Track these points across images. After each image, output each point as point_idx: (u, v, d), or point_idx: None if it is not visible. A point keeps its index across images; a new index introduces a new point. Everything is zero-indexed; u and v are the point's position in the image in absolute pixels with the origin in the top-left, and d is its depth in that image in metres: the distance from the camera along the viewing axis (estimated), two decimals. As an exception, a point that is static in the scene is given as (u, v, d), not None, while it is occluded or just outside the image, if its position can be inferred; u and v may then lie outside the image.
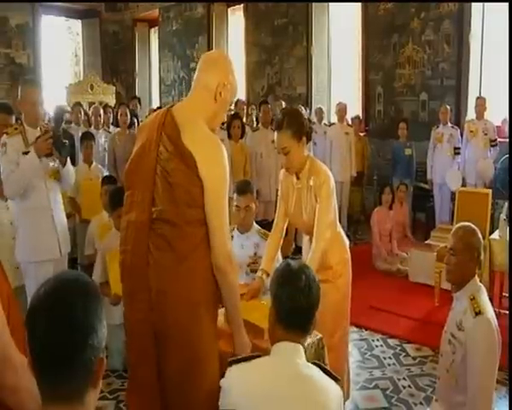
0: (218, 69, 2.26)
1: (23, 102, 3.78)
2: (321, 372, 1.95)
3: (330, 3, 10.50)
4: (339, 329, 3.10)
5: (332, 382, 1.95)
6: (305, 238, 3.36)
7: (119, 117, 6.80)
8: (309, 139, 3.16)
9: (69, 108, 8.79)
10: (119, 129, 6.87)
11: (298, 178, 3.18)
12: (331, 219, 3.14)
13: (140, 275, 2.17)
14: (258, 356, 1.99)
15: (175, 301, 2.13)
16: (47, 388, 1.22)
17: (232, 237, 3.69)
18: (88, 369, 1.23)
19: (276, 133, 3.12)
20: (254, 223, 3.78)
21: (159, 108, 10.10)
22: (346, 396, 3.35)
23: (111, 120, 7.62)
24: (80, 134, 6.42)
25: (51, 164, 3.81)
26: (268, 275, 3.12)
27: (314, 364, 1.99)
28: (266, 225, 5.00)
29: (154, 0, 13.57)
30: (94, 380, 1.25)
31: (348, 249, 3.31)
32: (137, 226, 2.20)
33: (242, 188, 3.74)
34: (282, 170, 3.35)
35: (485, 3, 8.27)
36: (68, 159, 3.90)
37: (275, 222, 3.42)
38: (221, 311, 3.06)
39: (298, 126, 3.04)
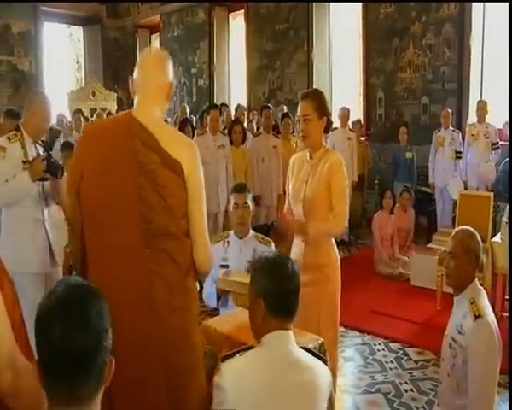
0: (168, 70, 2.24)
1: (31, 115, 3.73)
2: (310, 355, 1.99)
3: (331, 8, 10.52)
4: (326, 335, 3.03)
5: (322, 364, 2.00)
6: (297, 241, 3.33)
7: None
8: (327, 129, 3.22)
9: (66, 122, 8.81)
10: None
11: (311, 157, 3.22)
12: (347, 205, 3.15)
13: (142, 301, 2.03)
14: (251, 348, 2.00)
15: (184, 314, 2.12)
16: (62, 392, 1.24)
17: (228, 242, 3.70)
18: (102, 370, 1.28)
19: (300, 102, 3.19)
20: (251, 230, 3.79)
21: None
22: None
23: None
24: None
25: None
26: None
27: (302, 348, 2.02)
28: (267, 229, 5.02)
29: (157, 0, 13.58)
30: (105, 380, 1.30)
31: (338, 257, 3.27)
32: (127, 250, 2.04)
33: (239, 187, 3.83)
34: (294, 155, 3.42)
35: (486, 6, 8.29)
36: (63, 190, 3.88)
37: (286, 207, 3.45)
38: (224, 317, 3.08)
39: (323, 104, 3.15)
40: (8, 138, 3.68)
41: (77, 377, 1.24)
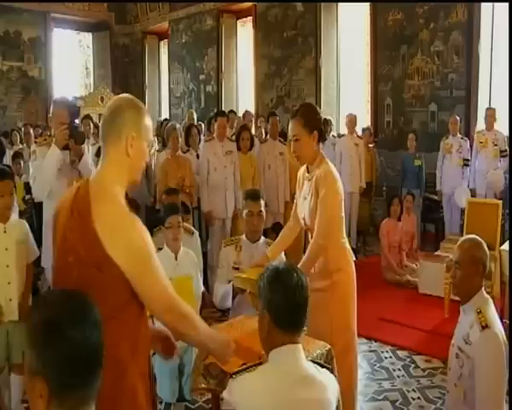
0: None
1: (53, 121, 4.01)
2: (318, 367, 1.97)
3: (339, 15, 10.55)
4: (339, 342, 3.03)
5: (328, 373, 1.99)
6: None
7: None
8: (321, 138, 3.20)
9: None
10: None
11: (308, 172, 3.23)
12: (329, 218, 3.09)
13: None
14: (259, 364, 1.98)
15: None
16: (79, 389, 1.26)
17: (241, 247, 3.72)
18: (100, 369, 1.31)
19: (290, 121, 3.19)
20: (263, 236, 3.80)
21: (165, 119, 10.16)
22: None
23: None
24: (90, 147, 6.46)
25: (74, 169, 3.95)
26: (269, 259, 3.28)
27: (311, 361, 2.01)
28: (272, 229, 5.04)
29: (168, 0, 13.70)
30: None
31: (352, 263, 3.26)
32: None
33: (254, 194, 3.83)
34: (299, 170, 3.41)
35: (495, 14, 8.28)
36: (87, 154, 4.07)
37: (291, 217, 3.46)
38: (232, 322, 3.08)
39: (311, 118, 3.12)
40: (35, 142, 4.10)
41: (92, 374, 1.28)
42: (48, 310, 1.28)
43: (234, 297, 3.59)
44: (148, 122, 2.04)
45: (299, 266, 2.98)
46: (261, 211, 3.73)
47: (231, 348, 2.11)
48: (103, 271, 1.84)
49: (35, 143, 4.12)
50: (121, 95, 2.13)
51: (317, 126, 3.14)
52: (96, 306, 1.33)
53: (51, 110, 4.08)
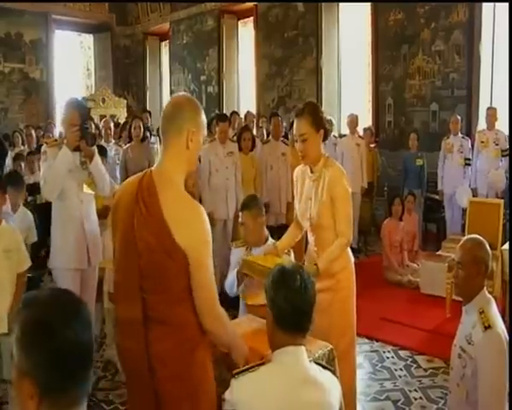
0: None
1: (64, 122, 3.99)
2: (321, 369, 1.97)
3: (340, 15, 10.55)
4: (342, 341, 3.06)
5: (331, 375, 1.98)
6: (311, 247, 3.34)
7: (132, 130, 6.76)
8: (325, 137, 3.18)
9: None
10: (132, 143, 6.84)
11: (312, 172, 3.20)
12: (351, 216, 3.14)
13: None
14: (262, 364, 1.98)
15: None
16: (71, 390, 1.22)
17: (251, 249, 3.71)
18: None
19: (295, 120, 3.15)
20: (270, 238, 3.76)
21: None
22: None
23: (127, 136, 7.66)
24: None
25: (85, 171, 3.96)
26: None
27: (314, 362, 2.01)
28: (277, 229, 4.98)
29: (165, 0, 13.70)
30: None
31: (352, 263, 3.28)
32: None
33: (243, 203, 3.79)
34: (296, 169, 3.39)
35: (496, 13, 8.28)
36: (97, 155, 4.02)
37: (294, 219, 3.44)
38: (235, 322, 3.08)
39: (318, 117, 3.11)
40: (46, 143, 4.09)
41: (87, 372, 1.25)
42: (38, 309, 1.23)
43: (239, 285, 3.54)
44: (204, 119, 2.26)
45: (323, 257, 3.01)
46: (244, 223, 3.64)
47: (247, 357, 2.23)
48: (172, 256, 2.01)
49: (45, 143, 4.12)
50: (179, 94, 2.39)
51: (323, 125, 3.14)
52: (86, 305, 1.30)
53: (62, 112, 4.07)
